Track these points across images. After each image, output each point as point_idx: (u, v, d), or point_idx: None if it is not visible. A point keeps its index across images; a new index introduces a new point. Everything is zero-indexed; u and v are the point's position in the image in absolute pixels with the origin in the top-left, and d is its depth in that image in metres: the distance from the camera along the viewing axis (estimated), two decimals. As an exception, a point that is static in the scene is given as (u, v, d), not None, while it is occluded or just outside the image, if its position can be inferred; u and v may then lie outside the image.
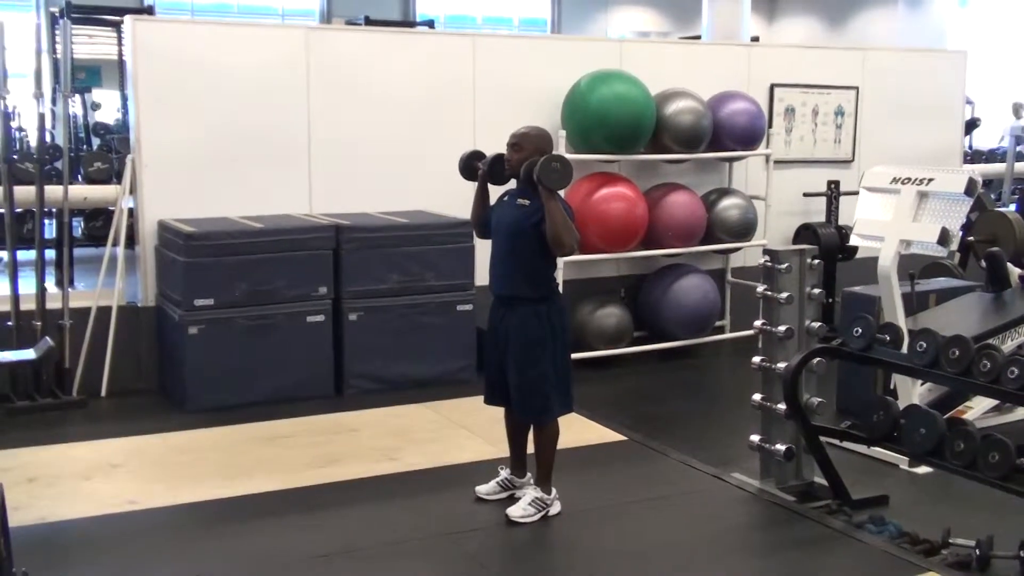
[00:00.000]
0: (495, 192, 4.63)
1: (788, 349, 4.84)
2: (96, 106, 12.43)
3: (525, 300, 4.39)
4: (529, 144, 4.39)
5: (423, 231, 6.62)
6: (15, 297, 6.22)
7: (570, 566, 4.28)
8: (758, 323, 4.96)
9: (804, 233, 8.17)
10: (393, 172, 7.06)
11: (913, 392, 5.36)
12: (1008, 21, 19.70)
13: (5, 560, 2.99)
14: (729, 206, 7.66)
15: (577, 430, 5.23)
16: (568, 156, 6.04)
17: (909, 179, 5.47)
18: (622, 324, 7.37)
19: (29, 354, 5.46)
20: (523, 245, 4.37)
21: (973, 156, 11.95)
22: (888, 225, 5.53)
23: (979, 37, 19.12)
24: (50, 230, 8.19)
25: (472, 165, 4.64)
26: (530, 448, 4.61)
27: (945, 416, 4.35)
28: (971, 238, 6.88)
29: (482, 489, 4.67)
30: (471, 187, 4.67)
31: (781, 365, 4.77)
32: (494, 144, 4.87)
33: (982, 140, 14.39)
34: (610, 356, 7.28)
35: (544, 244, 4.34)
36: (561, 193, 4.37)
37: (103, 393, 6.34)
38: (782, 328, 4.83)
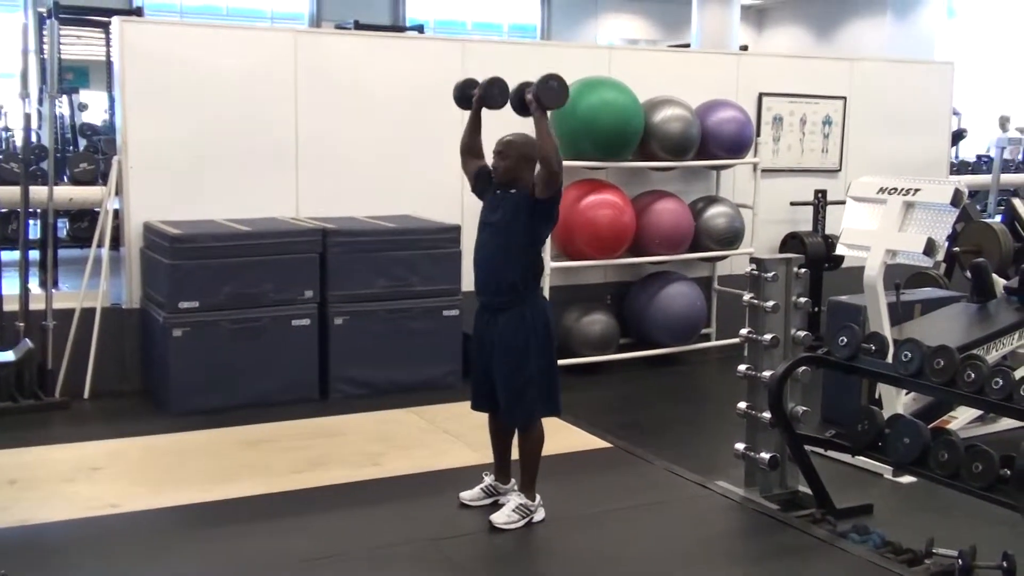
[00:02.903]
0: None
1: (773, 357, 4.84)
2: (83, 107, 12.37)
3: (510, 304, 4.37)
4: (514, 151, 4.35)
5: (410, 236, 6.61)
6: (-2, 298, 6.19)
7: (553, 573, 4.26)
8: (744, 331, 4.97)
9: (791, 242, 8.19)
10: (381, 176, 7.04)
11: (898, 402, 5.37)
12: (995, 33, 19.81)
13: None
14: (716, 214, 7.67)
15: (562, 437, 5.22)
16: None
17: (896, 189, 5.49)
18: (608, 331, 7.37)
19: (8, 356, 5.45)
20: (509, 243, 4.33)
21: (959, 167, 12.00)
22: (874, 235, 5.54)
23: (966, 49, 19.23)
24: (35, 231, 8.14)
25: (467, 93, 4.56)
26: (514, 454, 4.60)
27: (929, 426, 4.36)
28: (957, 249, 6.92)
29: (466, 495, 4.65)
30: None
31: (766, 373, 4.78)
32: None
33: (968, 151, 14.46)
34: (596, 363, 7.27)
35: (530, 242, 4.35)
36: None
37: (86, 395, 6.30)
38: (768, 336, 4.83)
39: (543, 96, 4.22)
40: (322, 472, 5.09)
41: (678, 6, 19.76)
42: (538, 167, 4.27)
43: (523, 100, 4.28)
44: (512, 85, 4.43)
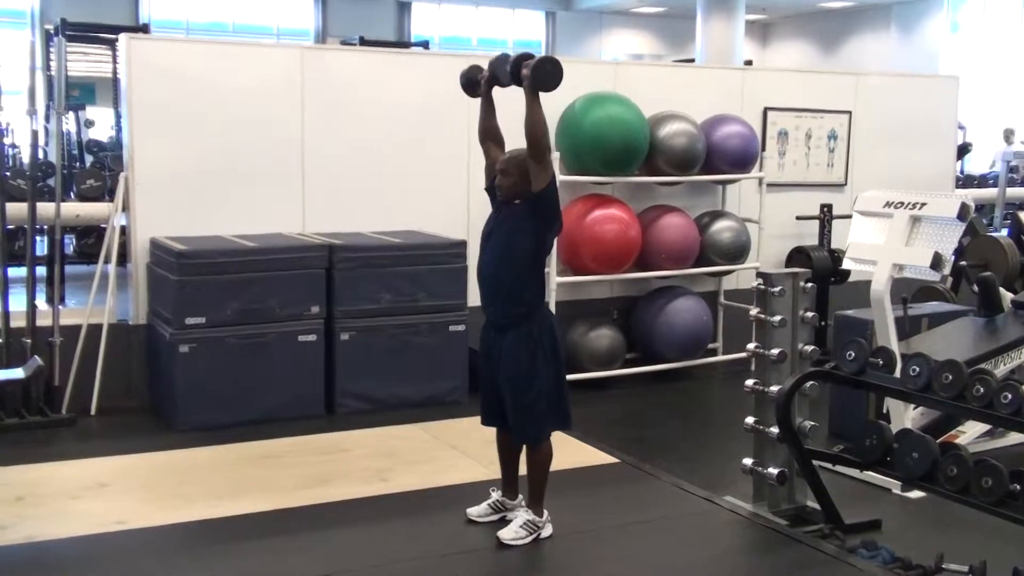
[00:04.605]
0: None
1: (781, 372, 4.83)
2: (90, 123, 12.41)
3: (516, 320, 4.37)
4: (516, 168, 4.34)
5: (416, 251, 6.61)
6: (5, 314, 6.20)
7: (561, 589, 4.26)
8: (751, 346, 4.96)
9: (797, 256, 8.18)
10: (387, 192, 7.05)
11: (906, 416, 5.36)
12: (999, 47, 19.84)
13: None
14: (722, 229, 7.67)
15: (569, 452, 5.21)
16: (562, 178, 6.06)
17: (902, 203, 5.48)
18: (614, 346, 7.36)
19: (17, 373, 5.45)
20: (513, 255, 4.33)
21: (965, 181, 12.00)
22: (881, 249, 5.54)
23: (971, 62, 19.24)
24: (42, 247, 8.16)
25: (475, 78, 4.56)
26: (522, 470, 4.59)
27: (937, 441, 4.34)
28: (963, 263, 6.90)
29: (473, 511, 4.64)
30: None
31: (774, 388, 4.77)
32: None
33: (974, 165, 14.45)
34: (602, 378, 7.26)
35: (534, 254, 4.34)
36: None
37: (93, 411, 6.30)
38: (775, 351, 4.83)
39: (536, 75, 4.22)
40: (328, 488, 5.08)
41: (682, 21, 19.85)
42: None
43: (519, 71, 4.27)
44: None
